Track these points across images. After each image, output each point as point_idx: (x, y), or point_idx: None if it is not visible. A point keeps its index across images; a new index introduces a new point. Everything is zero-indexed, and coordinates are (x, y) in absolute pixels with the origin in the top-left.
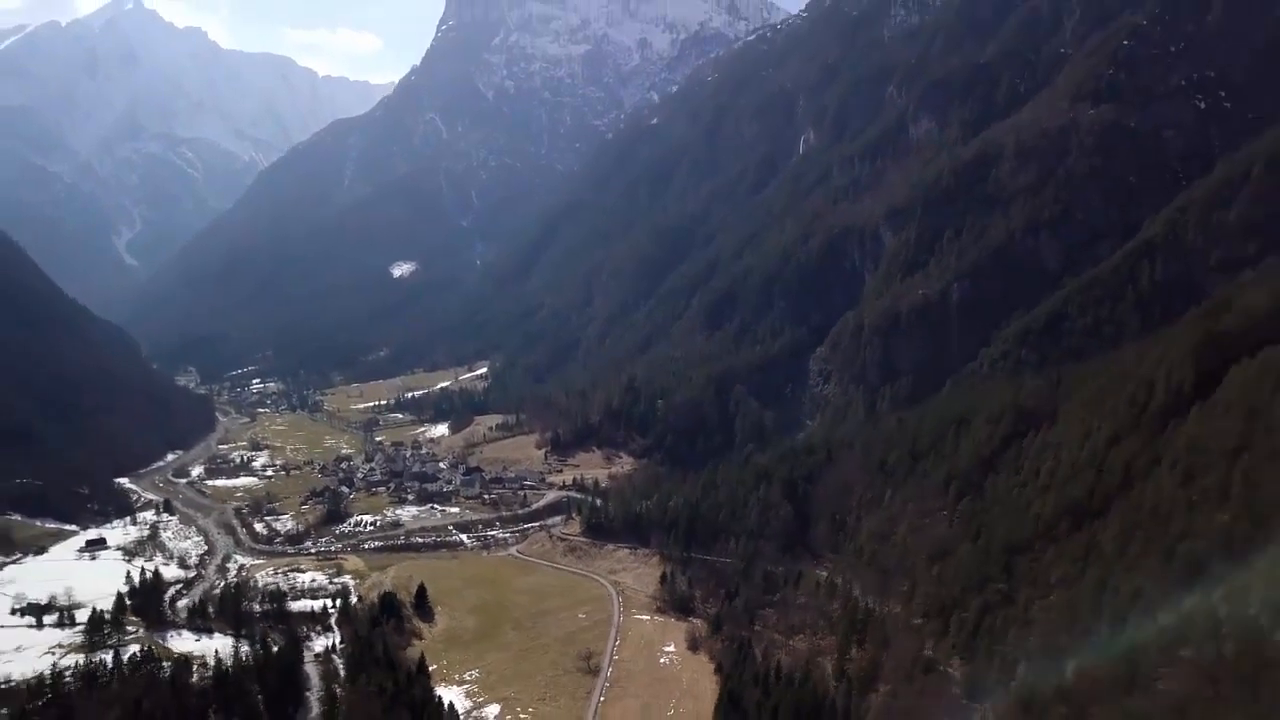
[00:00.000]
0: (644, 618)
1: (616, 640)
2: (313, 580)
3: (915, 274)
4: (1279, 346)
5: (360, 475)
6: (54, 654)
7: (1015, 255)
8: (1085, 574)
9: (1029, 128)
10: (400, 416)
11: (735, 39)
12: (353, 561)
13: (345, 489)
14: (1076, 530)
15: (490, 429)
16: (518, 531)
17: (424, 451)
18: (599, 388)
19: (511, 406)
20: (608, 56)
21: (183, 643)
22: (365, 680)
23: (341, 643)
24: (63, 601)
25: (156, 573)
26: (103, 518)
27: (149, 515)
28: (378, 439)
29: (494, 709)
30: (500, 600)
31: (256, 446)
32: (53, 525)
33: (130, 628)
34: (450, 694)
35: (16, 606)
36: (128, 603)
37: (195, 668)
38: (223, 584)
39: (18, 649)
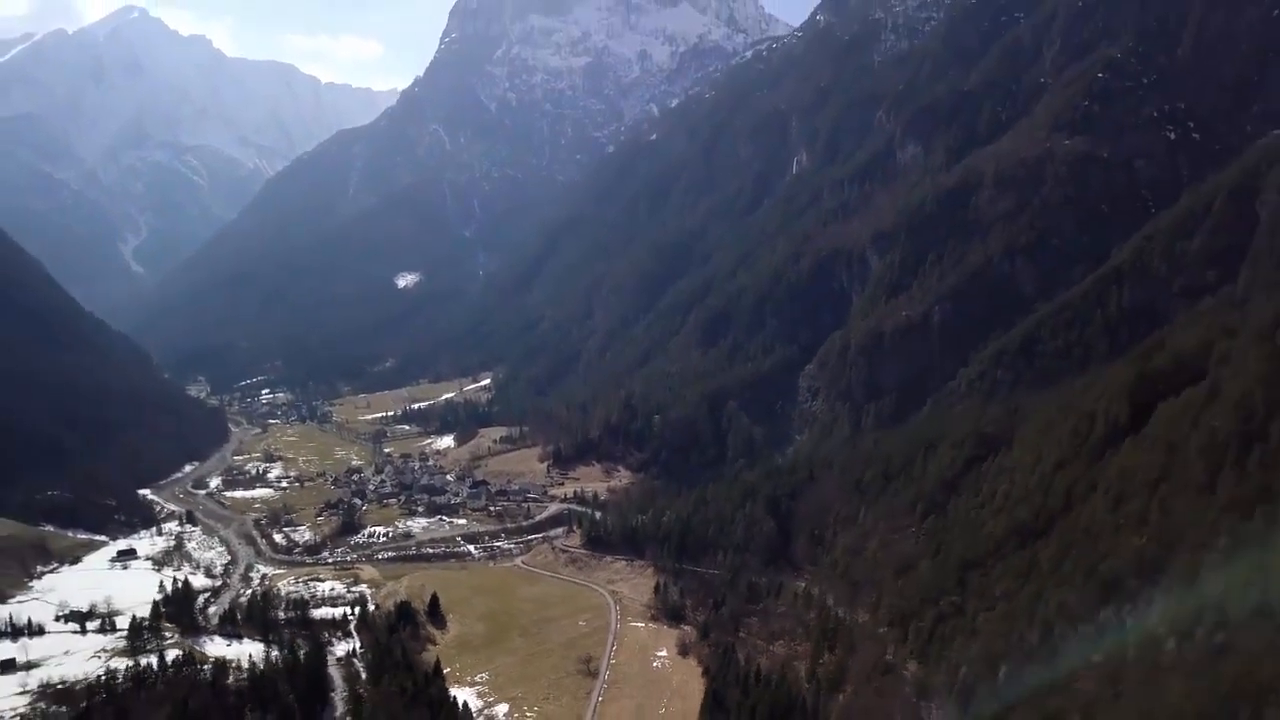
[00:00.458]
0: (639, 625)
1: (614, 645)
2: (332, 589)
3: (899, 296)
4: (1199, 387)
5: (372, 487)
6: (100, 657)
7: (993, 279)
8: (1024, 588)
9: (1008, 156)
10: (407, 428)
11: (733, 52)
12: (368, 571)
13: (358, 501)
14: (1021, 548)
15: (495, 441)
16: (522, 542)
17: (431, 464)
18: (599, 402)
19: (514, 419)
20: (608, 68)
21: (216, 647)
22: (388, 681)
23: (361, 648)
24: (102, 609)
25: (187, 582)
26: (129, 528)
27: (173, 526)
28: (386, 451)
29: (503, 708)
30: (507, 608)
31: (270, 458)
32: (84, 536)
33: (167, 633)
34: (463, 694)
35: (60, 614)
36: (163, 610)
37: (230, 670)
38: (248, 593)
39: (66, 653)
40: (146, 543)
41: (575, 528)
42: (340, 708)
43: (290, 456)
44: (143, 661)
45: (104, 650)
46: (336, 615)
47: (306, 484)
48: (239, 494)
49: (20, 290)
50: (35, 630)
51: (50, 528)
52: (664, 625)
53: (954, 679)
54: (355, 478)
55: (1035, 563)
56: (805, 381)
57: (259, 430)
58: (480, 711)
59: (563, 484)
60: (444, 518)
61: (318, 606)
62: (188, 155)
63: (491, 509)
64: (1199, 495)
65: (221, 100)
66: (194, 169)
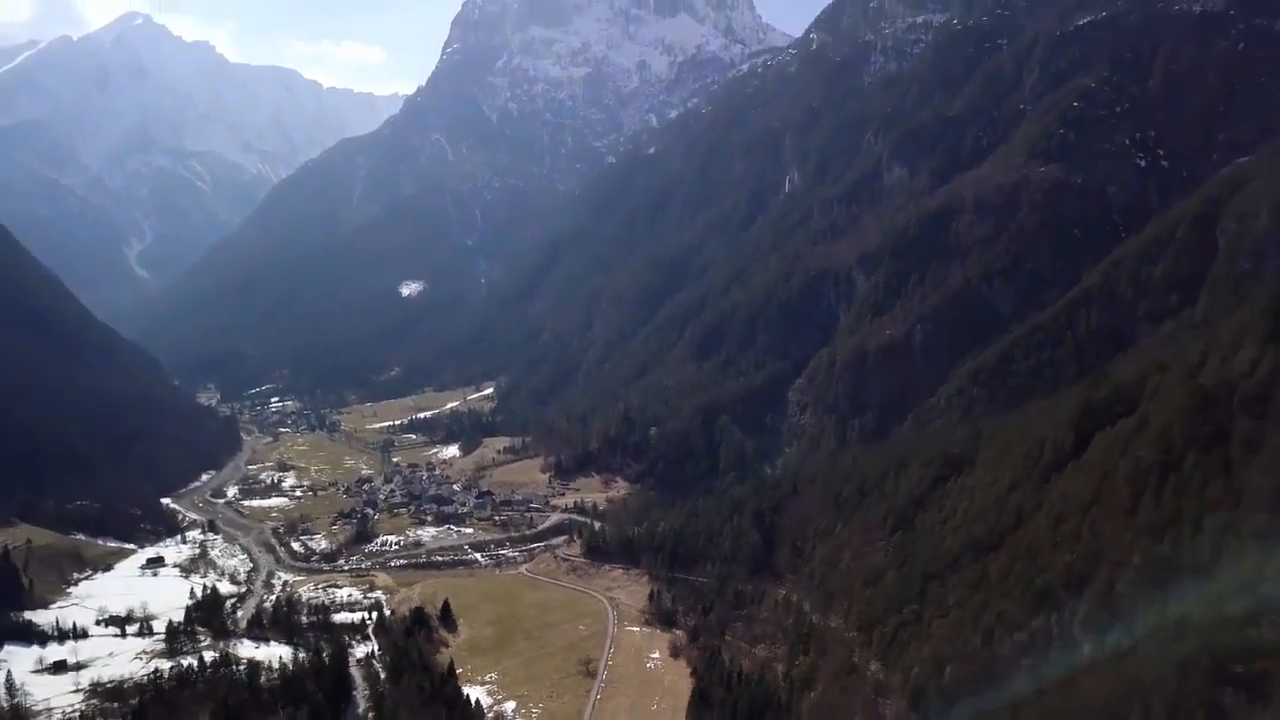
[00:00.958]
0: (634, 629)
1: (611, 648)
2: (349, 595)
3: (883, 315)
4: (1131, 419)
5: (382, 497)
6: (141, 659)
7: (971, 301)
8: (974, 598)
9: (987, 182)
10: (414, 437)
11: (731, 63)
12: (383, 578)
13: (370, 510)
14: (975, 562)
15: (499, 452)
16: (525, 551)
17: (438, 473)
18: (598, 414)
19: (517, 429)
20: (607, 78)
21: (246, 650)
22: (407, 681)
23: (380, 650)
24: (139, 614)
25: (215, 588)
26: (155, 537)
27: (196, 534)
28: (394, 460)
29: (510, 705)
30: (513, 614)
31: (283, 467)
32: (114, 544)
33: (201, 637)
34: (475, 692)
35: (100, 618)
36: (195, 615)
37: (262, 671)
38: (271, 599)
39: (110, 654)
40: (173, 550)
41: (576, 537)
42: (362, 705)
43: (302, 466)
44: (183, 662)
45: (144, 652)
46: (355, 620)
47: (319, 493)
48: (256, 503)
49: (39, 303)
50: (79, 634)
51: (82, 536)
52: (657, 629)
53: (907, 678)
54: (366, 487)
55: (985, 575)
56: (794, 396)
57: (270, 439)
58: (490, 708)
59: (564, 494)
60: (452, 527)
61: (337, 611)
62: (191, 160)
63: (496, 518)
64: (1123, 518)
65: (224, 105)
66: (198, 174)
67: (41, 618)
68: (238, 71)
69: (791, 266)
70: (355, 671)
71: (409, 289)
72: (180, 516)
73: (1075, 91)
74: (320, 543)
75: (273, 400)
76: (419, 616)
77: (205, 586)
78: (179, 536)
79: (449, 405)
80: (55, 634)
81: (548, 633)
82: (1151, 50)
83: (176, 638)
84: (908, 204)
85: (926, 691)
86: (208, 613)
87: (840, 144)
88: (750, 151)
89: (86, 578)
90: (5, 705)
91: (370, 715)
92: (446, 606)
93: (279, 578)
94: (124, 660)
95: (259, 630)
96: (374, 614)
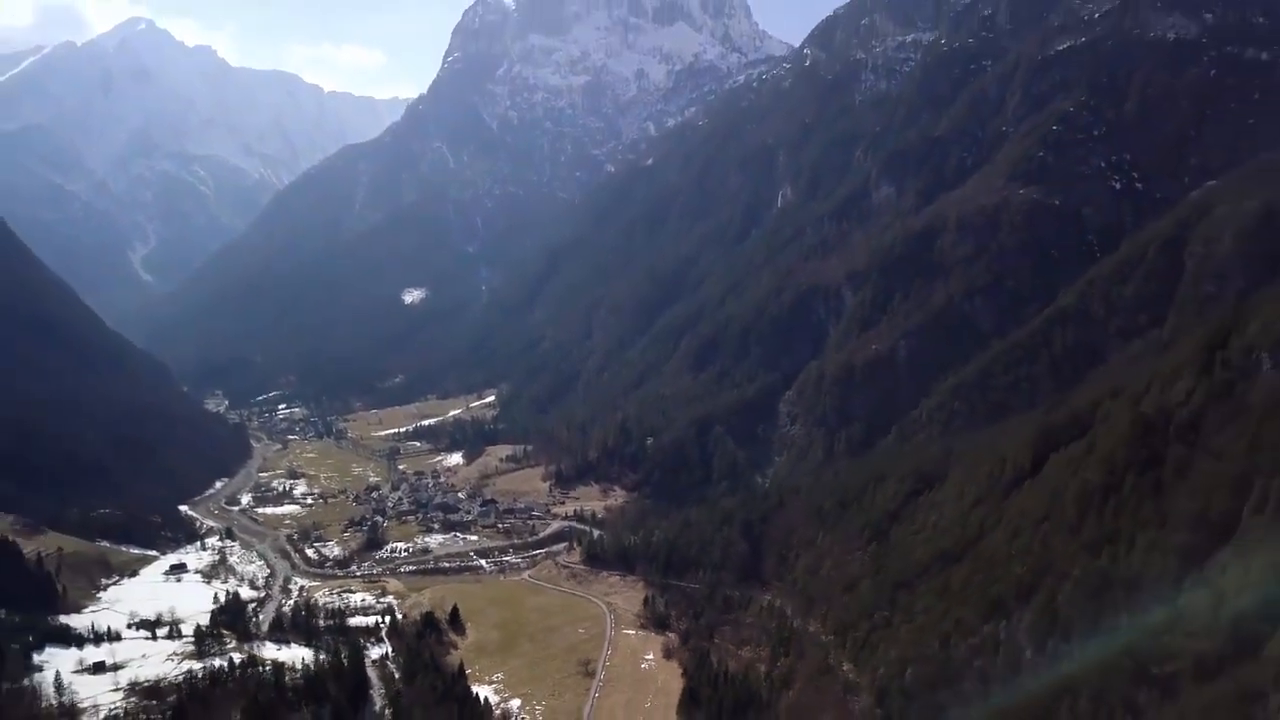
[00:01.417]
0: (630, 632)
1: (608, 650)
2: (363, 600)
3: (869, 331)
4: (1081, 442)
5: (390, 505)
6: (173, 660)
7: (954, 318)
8: (937, 605)
9: (970, 203)
10: (419, 445)
11: (728, 72)
12: (394, 584)
13: (379, 518)
14: (941, 572)
15: (501, 460)
16: (528, 557)
17: (443, 480)
18: (597, 423)
19: (519, 437)
20: (606, 87)
21: (268, 652)
22: (420, 680)
23: (393, 652)
24: (167, 618)
25: (237, 594)
26: (175, 544)
27: (214, 541)
28: (400, 467)
29: (516, 702)
30: (517, 618)
31: (294, 475)
32: (137, 551)
33: (226, 639)
34: (483, 691)
35: (131, 622)
36: (220, 618)
37: (286, 671)
38: (290, 603)
39: (144, 656)
40: (193, 557)
41: (575, 545)
42: (379, 703)
43: (312, 473)
44: (213, 663)
45: (175, 654)
46: (369, 623)
47: (330, 500)
48: (269, 510)
49: (53, 312)
50: (113, 636)
51: (107, 543)
52: (652, 633)
53: (874, 678)
54: (374, 495)
55: (948, 585)
56: (785, 408)
57: (279, 446)
58: (498, 705)
59: (564, 503)
60: (458, 534)
61: (352, 616)
62: (194, 165)
63: (500, 526)
64: (1069, 534)
65: (226, 109)
66: (200, 179)
67: (76, 621)
68: (239, 75)
69: (783, 282)
70: (371, 672)
71: (411, 296)
72: (198, 523)
73: (1055, 115)
74: (333, 549)
75: (280, 407)
76: (429, 620)
77: (227, 592)
78: (198, 543)
79: (452, 413)
80: (91, 636)
81: (550, 635)
82: (1127, 75)
83: (204, 640)
84: (894, 222)
85: (890, 690)
86: (231, 616)
87: (832, 161)
88: (745, 166)
89: (114, 583)
90: (55, 702)
91: (387, 713)
92: (455, 611)
93: (295, 583)
94: (157, 661)
95: (280, 633)
96: (387, 618)
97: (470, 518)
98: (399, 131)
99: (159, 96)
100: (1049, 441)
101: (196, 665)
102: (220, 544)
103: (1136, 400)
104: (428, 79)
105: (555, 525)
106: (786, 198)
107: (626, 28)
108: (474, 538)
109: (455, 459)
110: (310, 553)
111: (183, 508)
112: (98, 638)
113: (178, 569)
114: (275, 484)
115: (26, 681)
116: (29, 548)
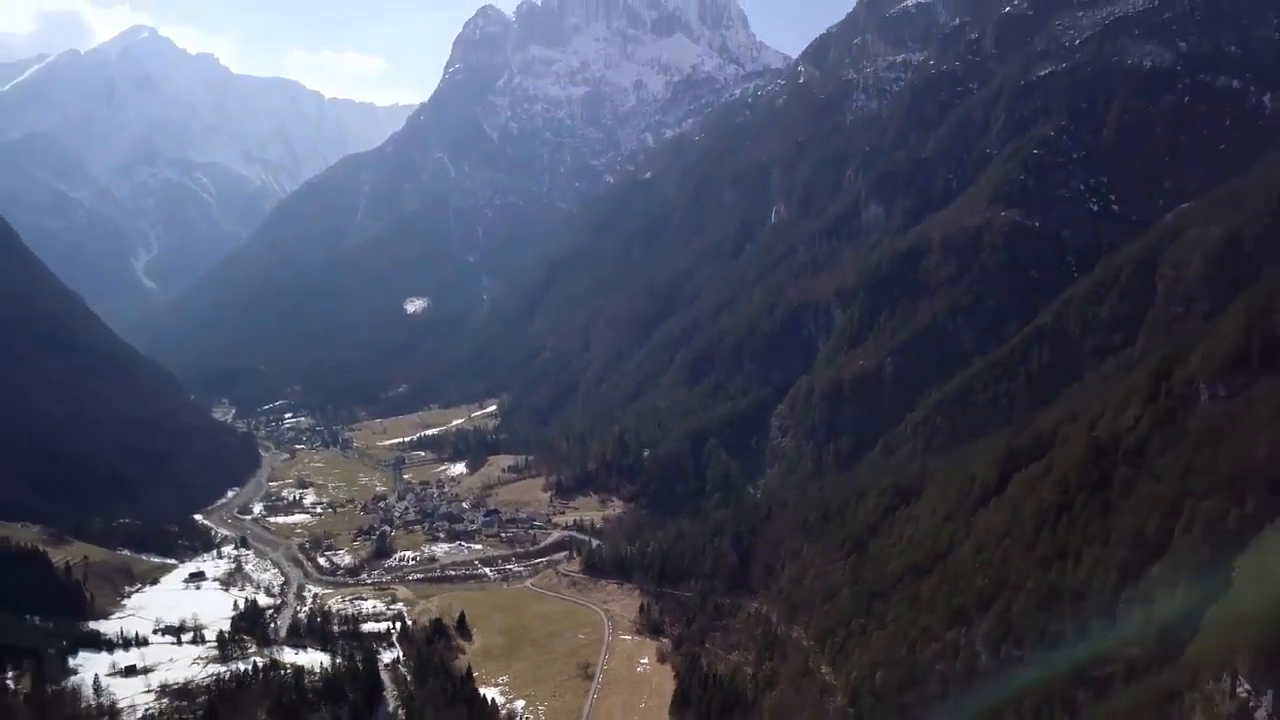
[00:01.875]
0: (627, 638)
1: (606, 654)
2: (374, 607)
3: (857, 347)
4: (1040, 462)
5: (397, 514)
6: (199, 664)
7: (938, 336)
8: (908, 614)
9: (954, 224)
10: (423, 454)
11: (725, 83)
12: (403, 591)
13: (387, 527)
14: (913, 583)
15: (503, 470)
16: (530, 566)
17: (447, 490)
18: (595, 434)
19: (520, 447)
20: (605, 98)
21: (287, 656)
22: (431, 683)
23: (405, 656)
24: (190, 624)
25: (255, 601)
26: (192, 552)
27: (229, 550)
28: (406, 477)
29: (520, 703)
30: (520, 624)
31: (303, 484)
32: (156, 560)
33: (247, 644)
34: (490, 693)
35: (157, 627)
36: (240, 624)
37: (305, 675)
38: (305, 610)
39: (171, 660)
40: (210, 565)
41: (575, 554)
42: (393, 704)
43: (320, 483)
44: (238, 667)
45: (200, 658)
46: (381, 629)
47: (339, 510)
48: (280, 519)
49: (64, 324)
50: (141, 641)
51: (127, 552)
52: (647, 638)
53: (848, 681)
54: (382, 505)
55: (918, 595)
56: (776, 421)
57: (287, 455)
58: (503, 706)
59: (564, 513)
60: (463, 543)
61: (364, 621)
62: (197, 172)
63: (503, 535)
64: (1026, 549)
65: (228, 116)
66: (203, 186)
67: (105, 627)
68: (241, 83)
69: (776, 298)
70: (385, 675)
71: (413, 305)
72: (213, 532)
73: (1036, 139)
74: (344, 558)
75: (286, 416)
76: (438, 626)
77: (245, 599)
78: (214, 552)
79: (454, 422)
80: (121, 641)
81: (551, 641)
82: (1106, 101)
83: (227, 645)
84: (882, 241)
85: (862, 691)
86: (251, 622)
87: (823, 179)
88: (739, 182)
89: (137, 591)
90: (94, 703)
91: (401, 713)
92: (462, 617)
93: (309, 590)
94: (184, 665)
95: (297, 638)
96: (397, 624)
97: (474, 527)
98: (400, 141)
99: (161, 104)
100: (1013, 461)
101: (221, 669)
102: (235, 552)
103: (1092, 425)
104: (428, 85)
105: (556, 535)
106: (779, 215)
107: (625, 39)
108: (478, 546)
109: (459, 469)
110: (322, 561)
111: (197, 517)
112: (127, 643)
113: (196, 577)
114: (285, 493)
115: (65, 684)
116: (57, 557)
